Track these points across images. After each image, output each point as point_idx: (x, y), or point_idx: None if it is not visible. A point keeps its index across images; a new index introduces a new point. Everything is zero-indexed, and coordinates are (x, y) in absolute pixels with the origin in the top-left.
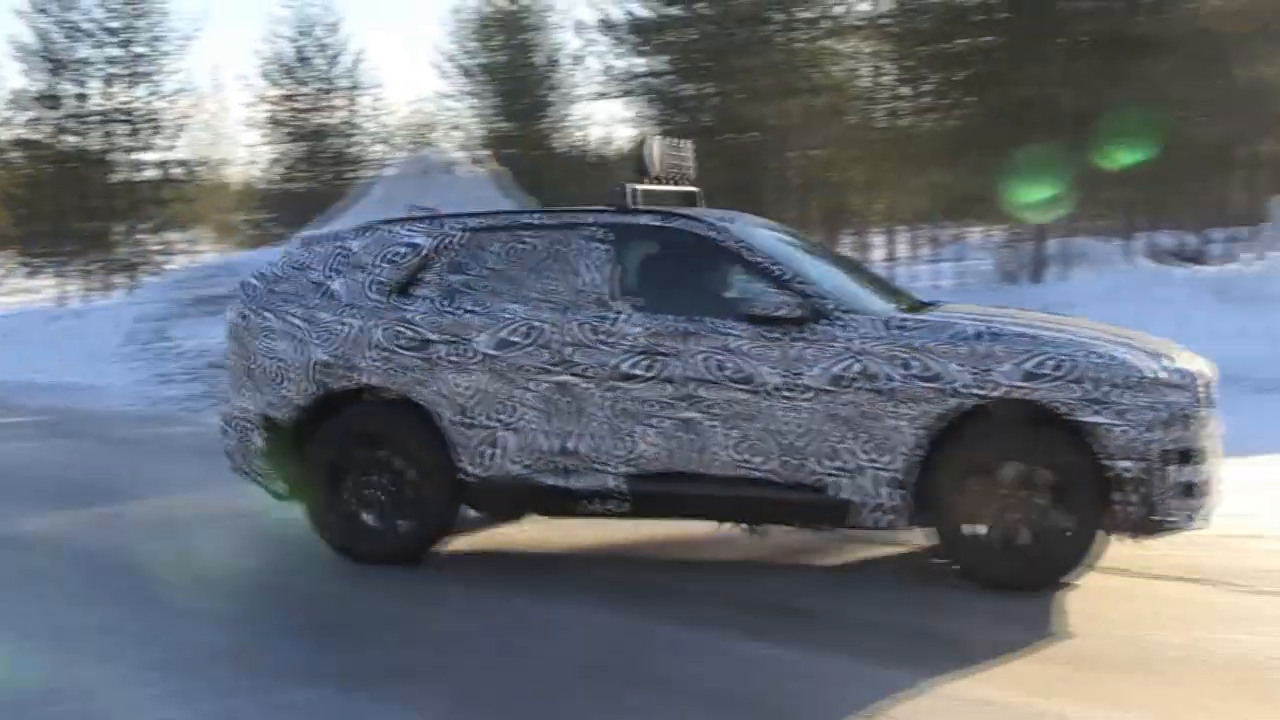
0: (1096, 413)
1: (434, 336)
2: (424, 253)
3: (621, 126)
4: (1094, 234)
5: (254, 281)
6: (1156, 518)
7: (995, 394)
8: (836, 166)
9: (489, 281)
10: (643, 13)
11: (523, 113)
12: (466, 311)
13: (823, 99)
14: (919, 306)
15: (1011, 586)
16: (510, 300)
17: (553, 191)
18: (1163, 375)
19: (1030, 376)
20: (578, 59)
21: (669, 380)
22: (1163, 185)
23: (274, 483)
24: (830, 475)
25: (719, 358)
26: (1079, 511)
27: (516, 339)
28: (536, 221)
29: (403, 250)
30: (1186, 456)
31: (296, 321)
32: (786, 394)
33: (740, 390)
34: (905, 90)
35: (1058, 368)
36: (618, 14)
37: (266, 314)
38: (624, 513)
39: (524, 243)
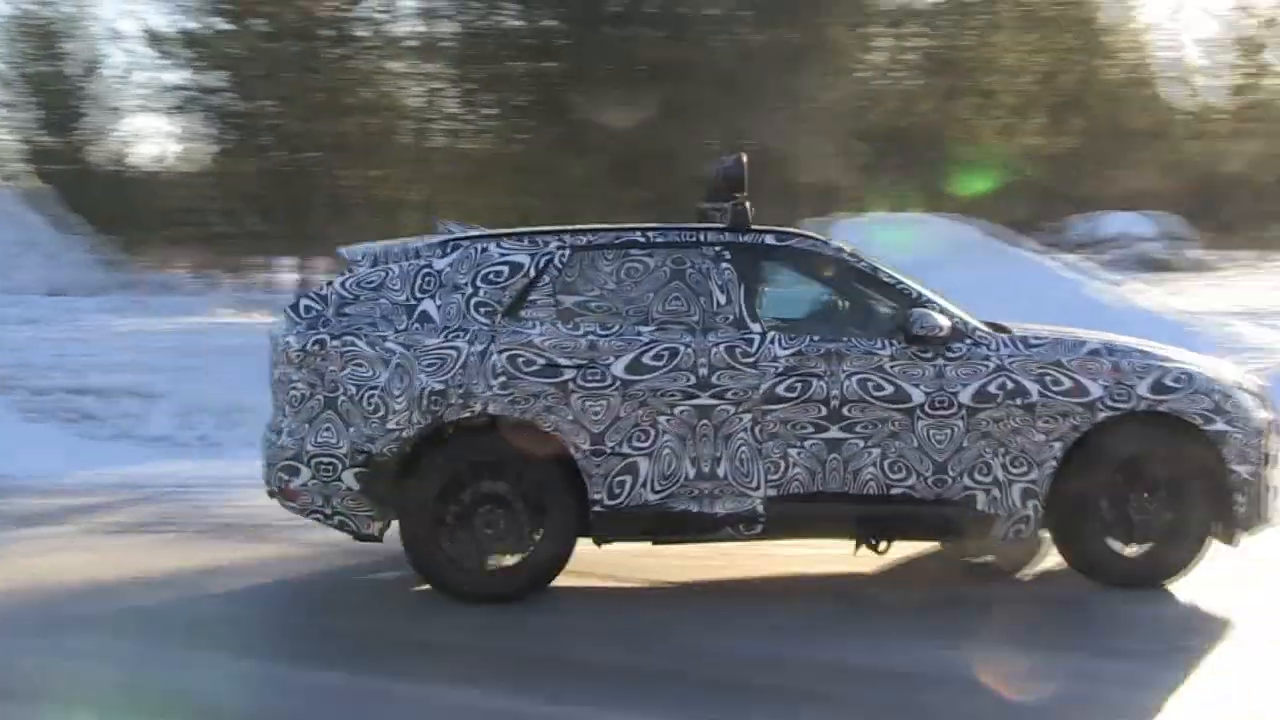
0: (1222, 422)
1: (565, 361)
2: (527, 272)
3: (173, 142)
4: None
5: (311, 304)
6: (1263, 517)
7: (1134, 406)
8: (390, 186)
9: (607, 302)
10: (190, 25)
11: (59, 126)
12: (597, 335)
13: (379, 118)
14: (999, 326)
15: (1135, 585)
16: (636, 322)
17: (92, 210)
18: (1250, 386)
19: (1162, 389)
20: (125, 71)
21: (820, 401)
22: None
23: (360, 523)
24: (977, 489)
25: (872, 378)
26: (1201, 513)
27: (654, 362)
28: (647, 240)
29: (502, 269)
30: (1273, 460)
31: (394, 347)
32: (938, 412)
33: (893, 409)
34: (464, 112)
35: (1180, 381)
36: (163, 25)
37: (352, 339)
38: (756, 535)
39: (639, 262)
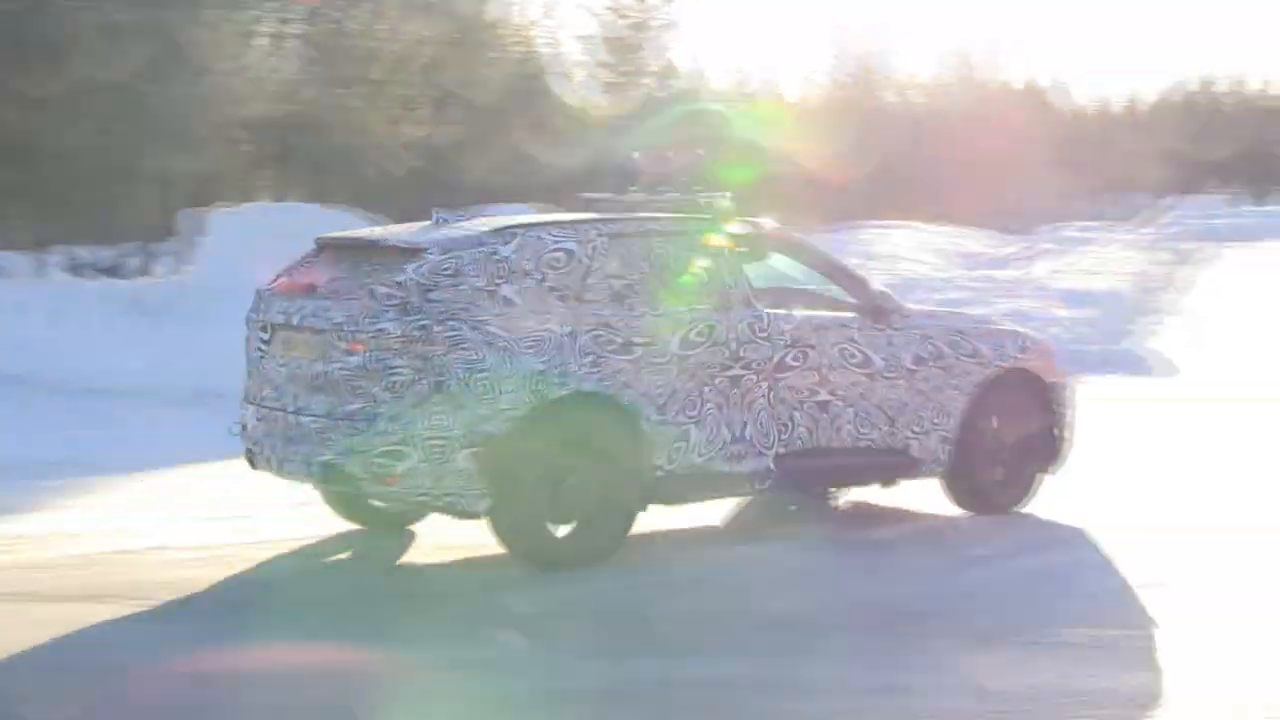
0: (1056, 376)
1: (636, 339)
2: (579, 258)
3: None
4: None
5: (392, 292)
6: (1068, 454)
7: (1009, 365)
8: None
9: (647, 284)
10: None
11: None
12: (653, 314)
13: None
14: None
15: (997, 508)
16: (672, 302)
17: None
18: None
19: (1023, 350)
20: None
21: (815, 369)
22: (66, 200)
23: (470, 502)
24: (913, 439)
25: (847, 347)
26: (1041, 451)
27: (698, 338)
28: (660, 228)
29: (560, 256)
30: (1074, 407)
31: (496, 330)
32: (888, 374)
33: (860, 373)
34: None
35: (1033, 344)
36: None
37: (455, 324)
38: (766, 489)
39: (661, 247)
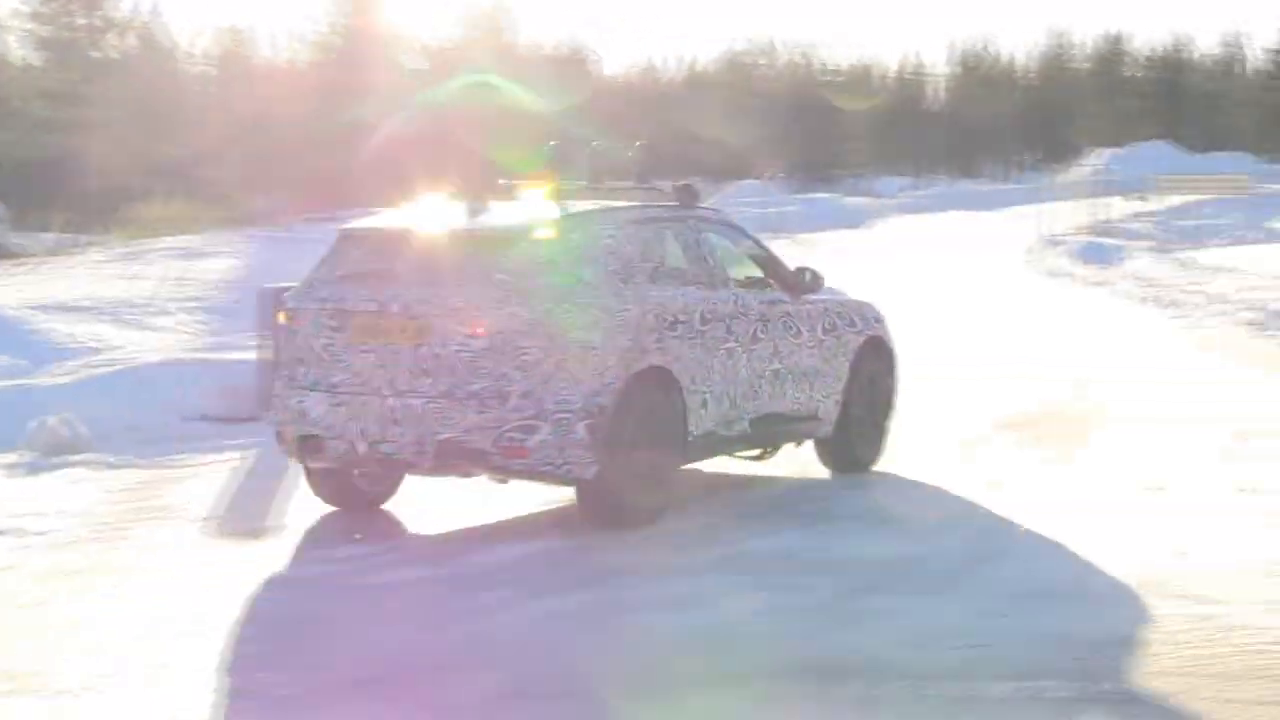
0: (890, 343)
1: (680, 318)
2: (623, 243)
3: None
4: None
5: (505, 278)
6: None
7: (870, 334)
8: None
9: (663, 267)
10: None
11: None
12: (680, 294)
13: None
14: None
15: (864, 466)
16: (681, 283)
17: None
18: None
19: (876, 321)
20: None
21: (771, 340)
22: None
23: (584, 469)
24: (821, 401)
25: (789, 321)
26: (884, 408)
27: (709, 315)
28: (661, 215)
29: (611, 242)
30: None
31: (596, 312)
32: (809, 344)
33: (794, 343)
34: None
35: (879, 316)
36: None
37: (569, 305)
38: (741, 452)
39: (662, 233)
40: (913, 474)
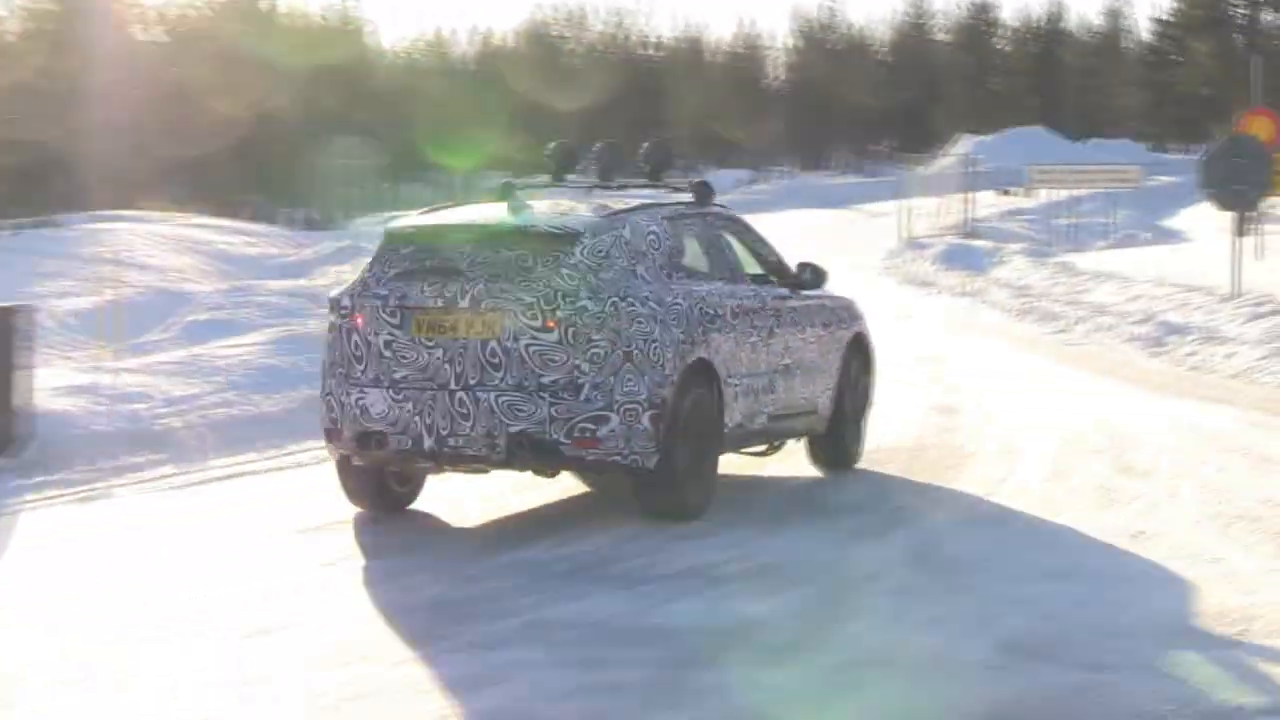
0: (869, 339)
1: (718, 311)
2: (663, 239)
3: None
4: None
5: (574, 274)
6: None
7: (855, 329)
8: None
9: (694, 262)
10: None
11: None
12: (713, 288)
13: None
14: None
15: (850, 463)
16: (708, 278)
17: None
18: None
19: (856, 318)
20: None
21: (784, 336)
22: None
23: (647, 459)
24: (819, 396)
25: (794, 316)
26: (864, 395)
27: (737, 310)
28: (686, 212)
29: (653, 237)
30: None
31: (654, 305)
32: (811, 340)
33: (799, 339)
34: None
35: (859, 312)
36: None
37: (632, 300)
38: (759, 449)
39: (690, 228)
40: (752, 522)
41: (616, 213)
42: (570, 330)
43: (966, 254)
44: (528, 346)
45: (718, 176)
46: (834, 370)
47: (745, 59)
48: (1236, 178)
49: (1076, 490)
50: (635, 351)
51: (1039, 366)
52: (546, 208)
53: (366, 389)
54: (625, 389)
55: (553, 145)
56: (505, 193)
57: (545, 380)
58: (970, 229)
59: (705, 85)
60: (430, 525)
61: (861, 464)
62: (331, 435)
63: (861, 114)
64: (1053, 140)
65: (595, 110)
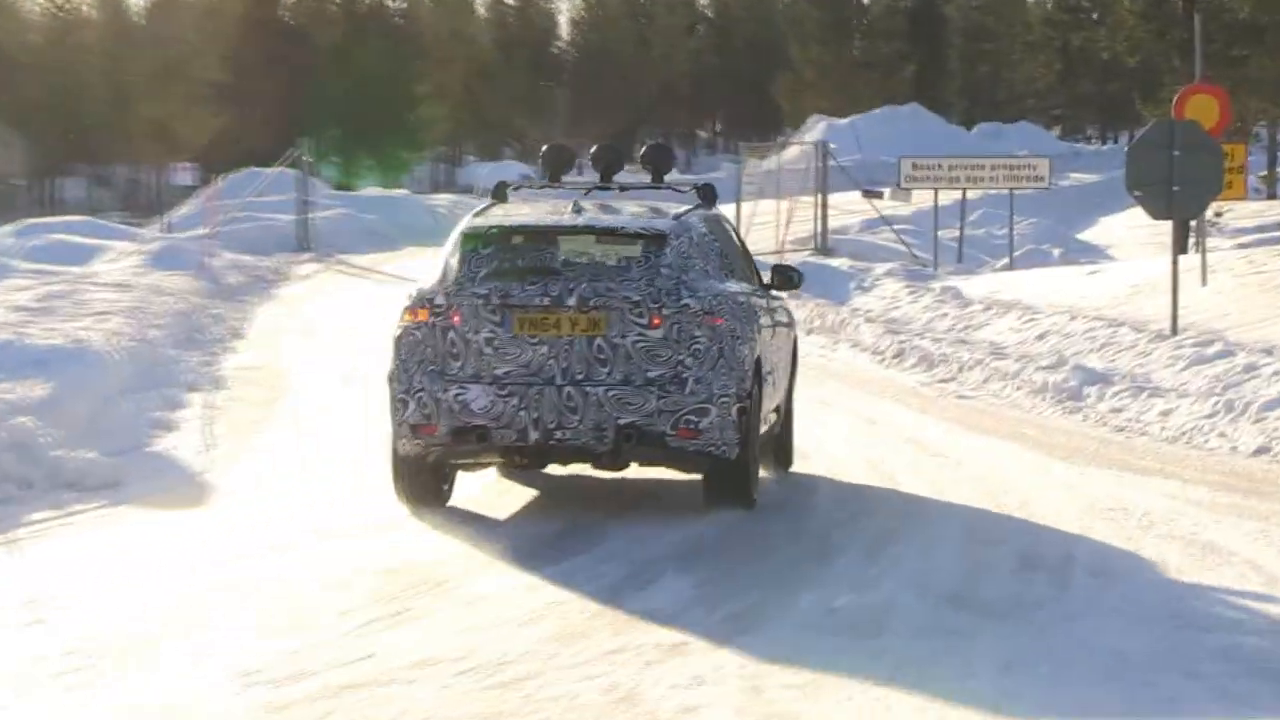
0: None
1: (760, 308)
2: (710, 240)
3: None
4: None
5: (670, 273)
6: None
7: (794, 332)
8: None
9: (727, 263)
10: None
11: None
12: (746, 288)
13: None
14: None
15: (789, 461)
16: (736, 279)
17: None
18: None
19: (791, 317)
20: None
21: (774, 335)
22: None
23: (733, 450)
24: (778, 391)
25: (774, 316)
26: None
27: (759, 308)
28: (707, 215)
29: (704, 239)
30: None
31: (735, 304)
32: (780, 341)
33: (776, 341)
34: None
35: (792, 317)
36: None
37: (720, 298)
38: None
39: (711, 233)
40: None
41: (679, 216)
42: (675, 327)
43: (821, 277)
44: (634, 343)
45: (475, 172)
46: (788, 369)
47: (517, 13)
48: (1174, 176)
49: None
50: (726, 348)
51: (915, 429)
52: (605, 209)
53: (466, 384)
54: (720, 383)
55: (546, 148)
56: (500, 193)
57: (651, 375)
58: (825, 244)
59: (465, 47)
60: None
61: None
62: (421, 430)
63: (674, 91)
64: (933, 124)
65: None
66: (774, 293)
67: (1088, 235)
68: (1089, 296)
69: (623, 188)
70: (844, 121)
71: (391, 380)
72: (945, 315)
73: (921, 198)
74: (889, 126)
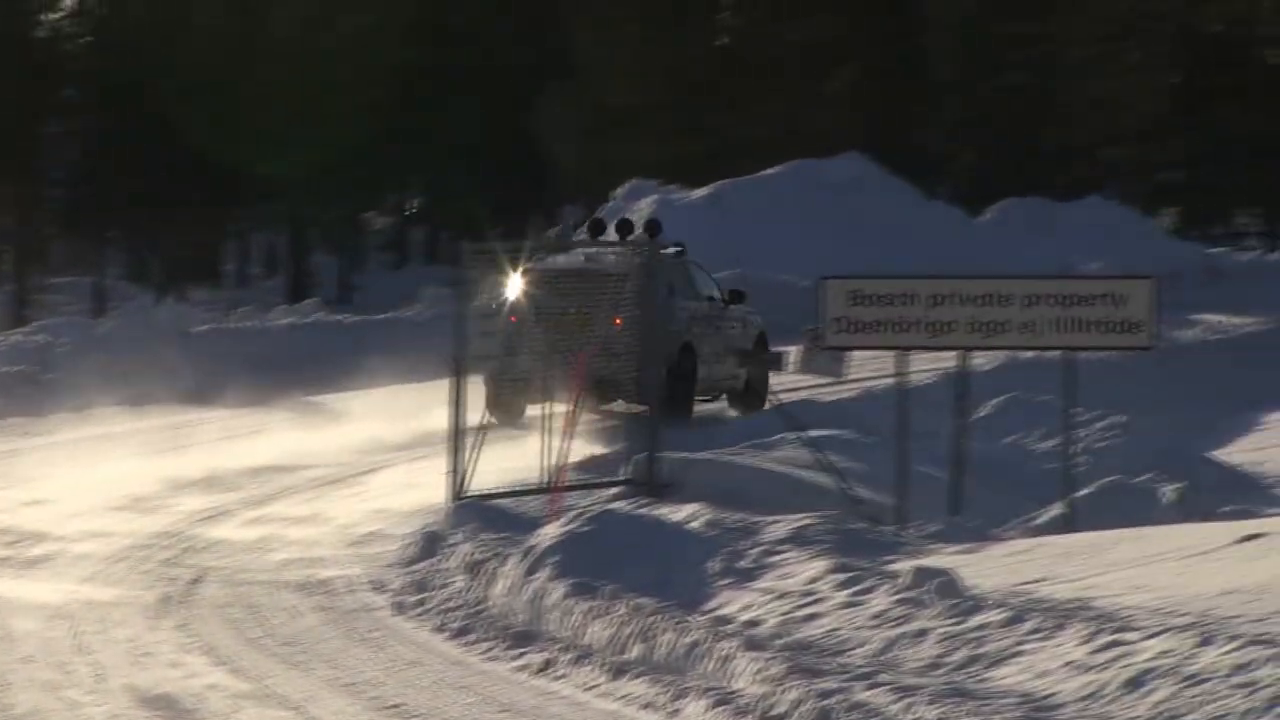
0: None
1: (696, 316)
2: (663, 274)
3: None
4: None
5: (633, 295)
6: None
7: (759, 329)
8: None
9: (687, 287)
10: None
11: None
12: (690, 304)
13: None
14: None
15: (756, 407)
16: (686, 297)
17: None
18: None
19: (760, 324)
20: None
21: (724, 330)
22: None
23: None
24: (740, 370)
25: (728, 318)
26: (764, 371)
27: (700, 315)
28: (672, 258)
29: (661, 273)
30: None
31: (670, 312)
32: (739, 333)
33: (730, 331)
34: None
35: (759, 319)
36: None
37: (665, 308)
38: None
39: (676, 266)
40: None
41: (672, 254)
42: (725, 323)
43: (649, 549)
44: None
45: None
46: (745, 349)
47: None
48: None
49: None
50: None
51: None
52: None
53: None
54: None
55: (585, 219)
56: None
57: (616, 350)
58: (656, 472)
59: None
60: None
61: None
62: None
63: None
64: (897, 198)
65: None
66: (735, 307)
67: (1236, 451)
68: (1242, 594)
69: (605, 242)
70: (696, 194)
71: None
72: (923, 637)
73: (873, 366)
74: (800, 203)
